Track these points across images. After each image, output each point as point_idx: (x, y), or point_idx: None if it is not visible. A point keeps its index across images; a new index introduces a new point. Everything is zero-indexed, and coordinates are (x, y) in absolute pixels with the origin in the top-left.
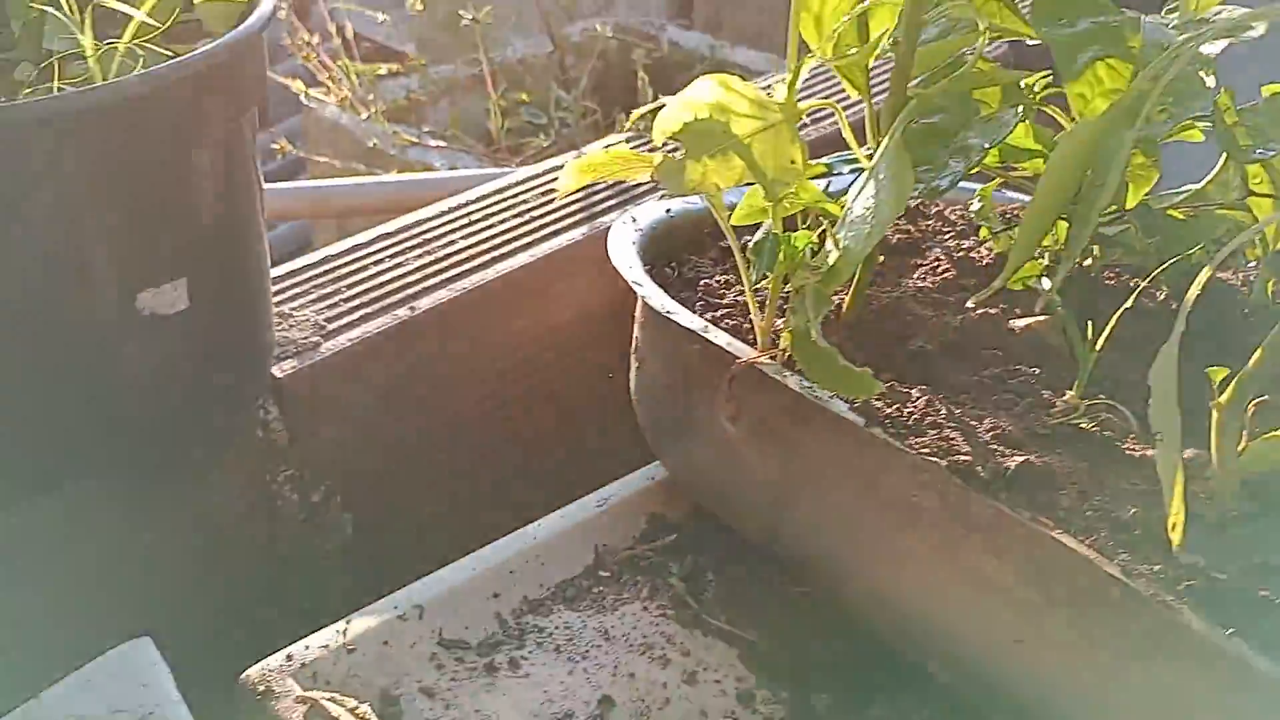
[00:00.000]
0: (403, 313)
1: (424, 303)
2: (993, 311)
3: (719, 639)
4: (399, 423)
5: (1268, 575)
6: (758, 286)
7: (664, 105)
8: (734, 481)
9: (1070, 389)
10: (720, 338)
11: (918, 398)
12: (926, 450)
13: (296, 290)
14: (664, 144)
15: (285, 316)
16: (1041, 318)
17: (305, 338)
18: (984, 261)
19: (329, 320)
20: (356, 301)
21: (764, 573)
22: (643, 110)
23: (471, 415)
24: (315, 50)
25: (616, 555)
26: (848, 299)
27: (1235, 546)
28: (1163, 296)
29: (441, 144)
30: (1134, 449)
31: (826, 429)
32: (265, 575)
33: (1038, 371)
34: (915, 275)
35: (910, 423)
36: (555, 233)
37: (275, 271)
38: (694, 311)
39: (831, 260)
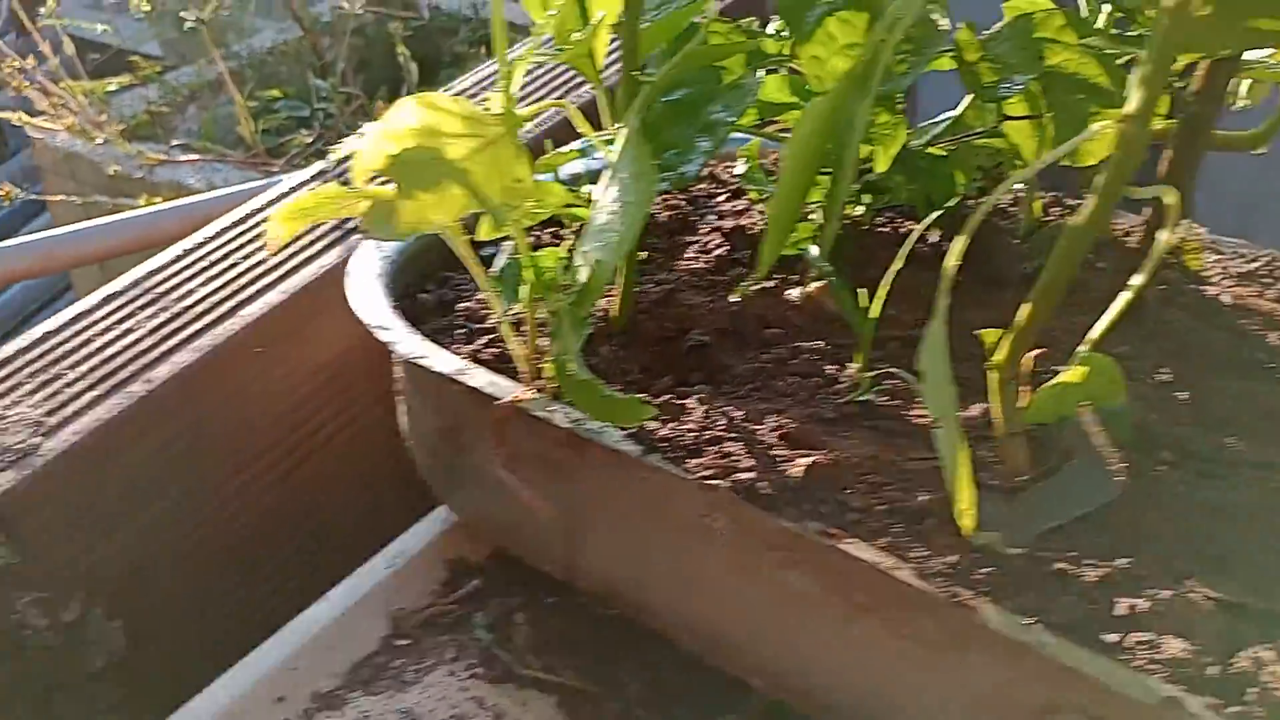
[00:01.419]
0: (138, 388)
1: (161, 372)
2: (770, 285)
3: (534, 689)
4: (154, 512)
5: (1061, 539)
6: (513, 312)
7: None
8: (523, 522)
9: (853, 360)
10: (479, 378)
11: (696, 407)
12: (707, 472)
13: (6, 384)
14: (371, 181)
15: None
16: (818, 284)
17: (21, 442)
18: (757, 229)
19: (50, 414)
20: (82, 385)
21: (574, 603)
22: (344, 148)
23: (239, 487)
24: (25, 75)
25: (414, 618)
26: (615, 303)
27: (1027, 513)
28: (937, 238)
29: (194, 157)
30: (923, 415)
31: (604, 461)
32: (29, 713)
33: (822, 345)
34: (687, 255)
35: (689, 441)
36: (307, 260)
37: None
38: (456, 340)
39: (582, 278)
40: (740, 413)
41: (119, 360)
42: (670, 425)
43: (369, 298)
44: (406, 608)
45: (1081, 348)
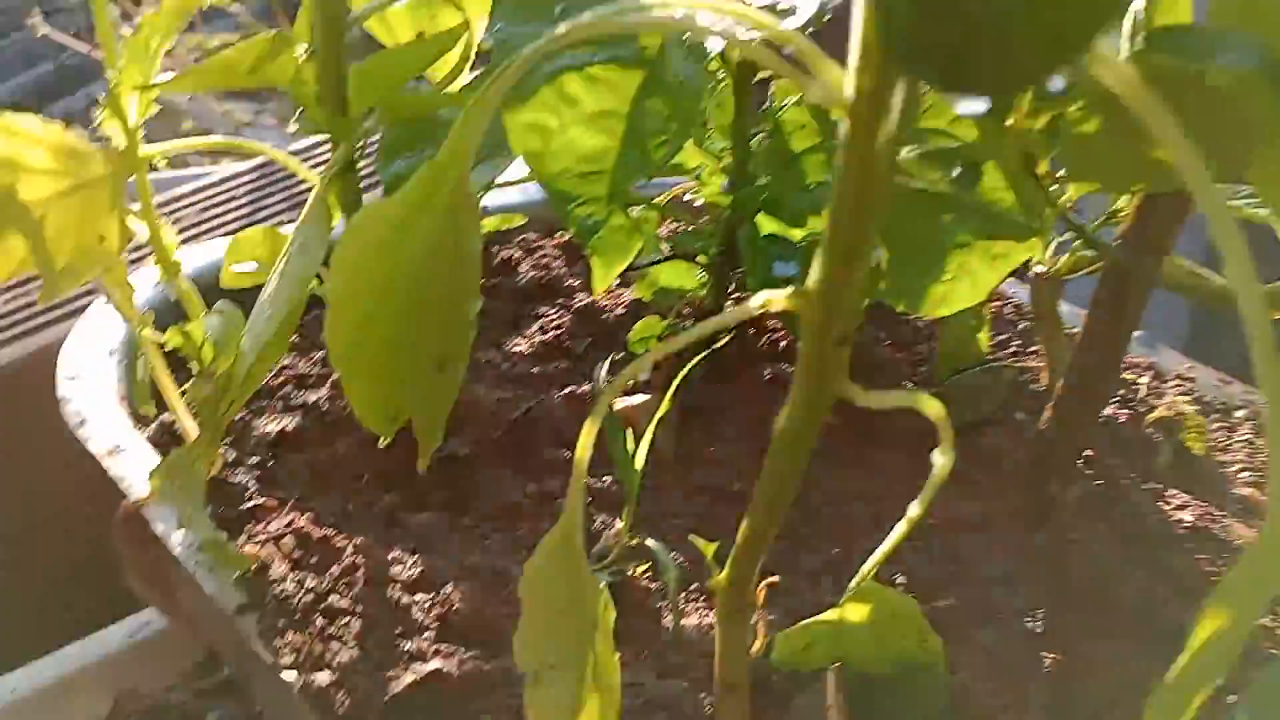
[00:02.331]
0: None
1: None
2: (580, 389)
3: None
4: None
5: None
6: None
7: None
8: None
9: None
10: (125, 463)
11: (350, 554)
12: (290, 658)
13: None
14: None
15: None
16: (636, 401)
17: None
18: (615, 314)
19: None
20: None
21: None
22: None
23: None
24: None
25: (140, 702)
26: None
27: None
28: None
29: (275, 122)
30: (666, 616)
31: (199, 605)
32: None
33: (606, 483)
34: (529, 331)
35: (300, 605)
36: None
37: None
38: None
39: (222, 368)
40: (421, 570)
41: None
42: (299, 577)
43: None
44: (138, 689)
45: (864, 570)
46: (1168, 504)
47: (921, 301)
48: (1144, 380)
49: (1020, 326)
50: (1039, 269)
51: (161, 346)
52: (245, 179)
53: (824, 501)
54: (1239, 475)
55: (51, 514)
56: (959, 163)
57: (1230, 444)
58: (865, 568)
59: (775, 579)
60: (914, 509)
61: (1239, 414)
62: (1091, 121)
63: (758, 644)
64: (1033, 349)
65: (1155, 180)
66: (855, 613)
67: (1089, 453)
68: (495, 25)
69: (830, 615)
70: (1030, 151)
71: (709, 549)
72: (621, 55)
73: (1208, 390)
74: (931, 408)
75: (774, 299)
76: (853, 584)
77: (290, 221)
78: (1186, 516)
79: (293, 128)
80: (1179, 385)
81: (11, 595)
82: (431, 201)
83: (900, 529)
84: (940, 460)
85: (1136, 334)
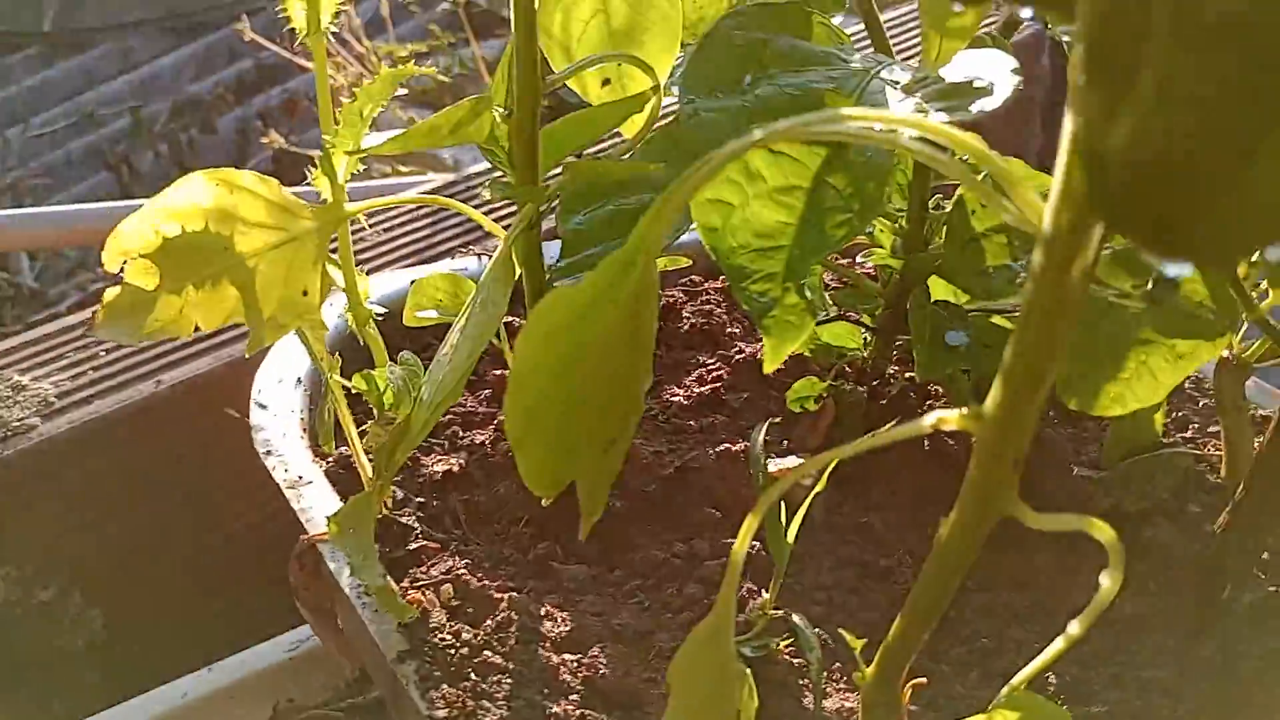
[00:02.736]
0: (146, 387)
1: (172, 375)
2: (735, 447)
3: None
4: (151, 511)
5: None
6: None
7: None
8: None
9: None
10: (308, 496)
11: (504, 608)
12: (443, 711)
13: (53, 353)
14: (121, 269)
15: (18, 389)
16: (790, 464)
17: (22, 418)
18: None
19: (63, 395)
20: (105, 371)
21: None
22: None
23: (242, 504)
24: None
25: (298, 716)
26: None
27: None
28: None
29: None
30: (807, 696)
31: (366, 641)
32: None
33: (754, 548)
34: (687, 380)
35: (463, 656)
36: None
37: (51, 327)
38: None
39: (401, 415)
40: (570, 628)
41: (142, 354)
42: (455, 629)
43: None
44: (296, 700)
45: (1015, 681)
46: None
47: (1095, 400)
48: None
49: (1201, 404)
50: (1225, 353)
51: (346, 388)
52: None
53: (977, 586)
54: None
55: (232, 524)
56: (1156, 271)
57: None
58: (1016, 680)
59: (923, 680)
60: (1074, 627)
61: None
62: None
63: None
64: (1213, 429)
65: None
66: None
67: (1265, 555)
68: (684, 96)
69: None
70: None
71: (856, 644)
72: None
73: None
74: (1105, 535)
75: (947, 418)
76: (1003, 693)
77: (465, 244)
78: None
79: (486, 195)
80: None
81: (188, 601)
82: (615, 292)
83: (1058, 645)
84: (1106, 584)
85: None
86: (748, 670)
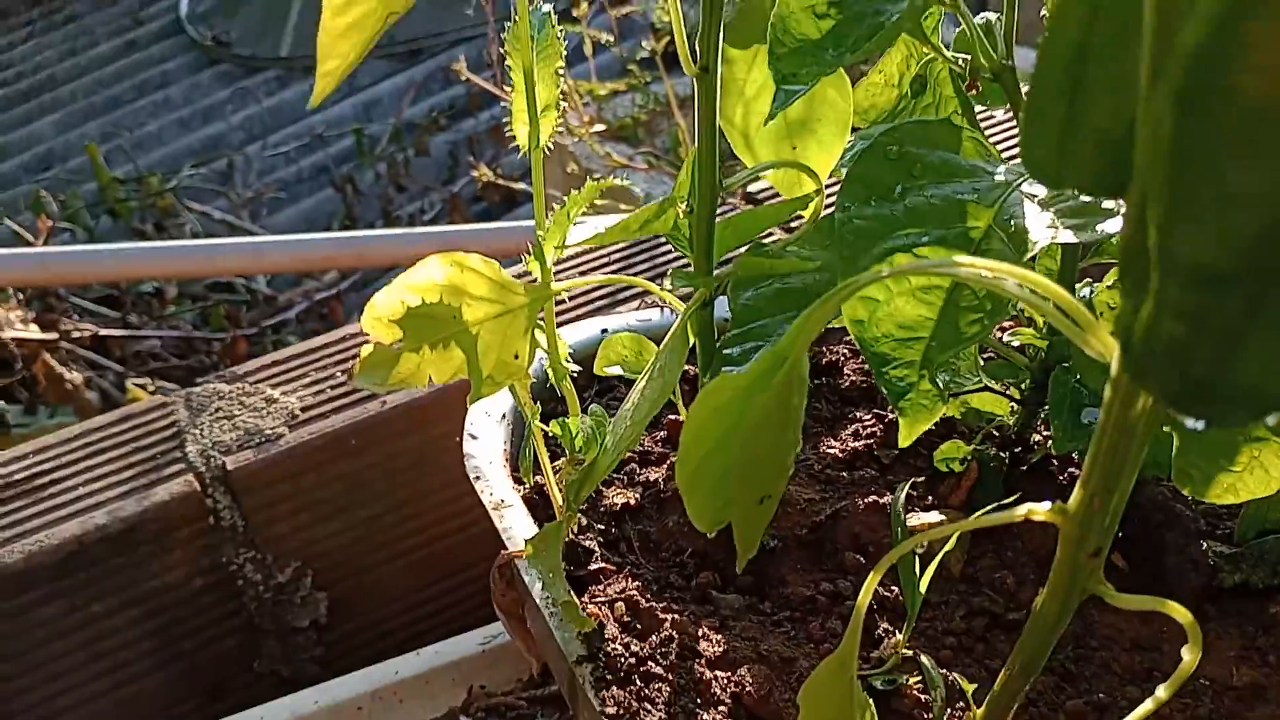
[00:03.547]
0: (373, 406)
1: (396, 397)
2: (882, 500)
3: None
4: (372, 511)
5: None
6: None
7: None
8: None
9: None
10: (509, 518)
11: (668, 627)
12: (612, 709)
13: (298, 371)
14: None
15: (270, 401)
16: (930, 518)
17: (273, 428)
18: None
19: (306, 409)
20: (341, 389)
21: None
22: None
23: (449, 510)
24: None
25: (485, 700)
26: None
27: None
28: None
29: (644, 167)
30: None
31: (548, 649)
32: (237, 646)
33: (894, 593)
34: (844, 434)
35: (630, 665)
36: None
37: (299, 348)
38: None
39: (589, 458)
40: (723, 649)
41: None
42: (628, 640)
43: (483, 409)
44: (488, 687)
45: None
46: None
47: (1209, 489)
48: None
49: None
50: None
51: (544, 431)
52: (613, 251)
53: (1101, 644)
54: None
55: (437, 528)
56: None
57: None
58: None
59: None
60: (1161, 691)
61: None
62: None
63: None
64: None
65: None
66: None
67: None
68: (841, 202)
69: None
70: None
71: (969, 687)
72: (948, 237)
73: None
74: (1182, 615)
75: (1037, 510)
76: None
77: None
78: None
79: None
80: None
81: (399, 592)
82: (768, 380)
83: (1146, 706)
84: (1188, 658)
85: None
86: (871, 701)
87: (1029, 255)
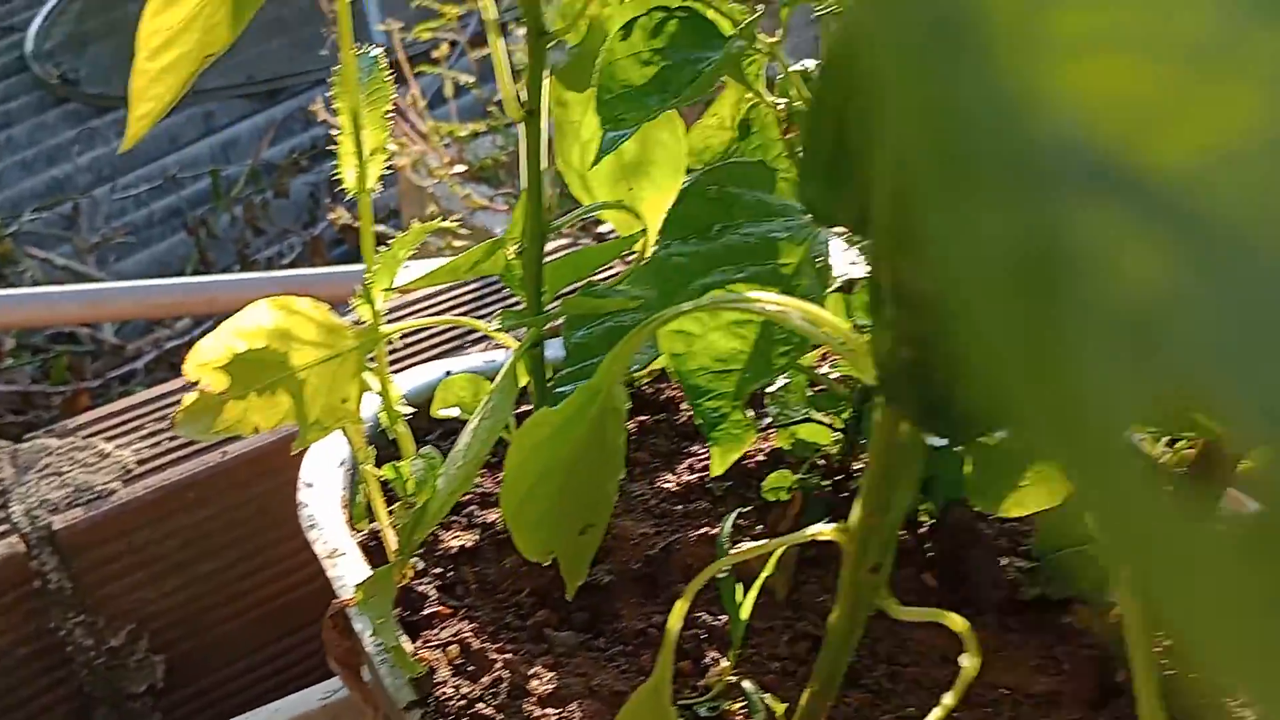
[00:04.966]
0: (213, 457)
1: (236, 446)
2: (714, 530)
3: None
4: (210, 568)
5: None
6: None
7: None
8: None
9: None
10: (342, 566)
11: (499, 667)
12: None
13: (134, 423)
14: (197, 380)
15: (102, 456)
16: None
17: (105, 484)
18: (754, 455)
19: (142, 462)
20: (178, 441)
21: None
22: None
23: (289, 563)
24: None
25: None
26: None
27: None
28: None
29: (504, 208)
30: None
31: (383, 693)
32: (67, 716)
33: (721, 621)
34: (680, 468)
35: (454, 709)
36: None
37: (136, 398)
38: None
39: (420, 500)
40: (555, 686)
41: None
42: (467, 681)
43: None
44: None
45: None
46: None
47: (998, 504)
48: None
49: None
50: None
51: (377, 477)
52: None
53: (911, 660)
54: None
55: (279, 583)
56: None
57: None
58: None
59: None
60: (947, 698)
61: None
62: None
63: None
64: None
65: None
66: None
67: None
68: (662, 240)
69: None
70: None
71: (779, 708)
72: (761, 274)
73: None
74: (956, 624)
75: (825, 530)
76: None
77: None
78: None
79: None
80: None
81: (238, 650)
82: (584, 413)
83: (935, 715)
84: (967, 664)
85: None
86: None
87: (831, 289)
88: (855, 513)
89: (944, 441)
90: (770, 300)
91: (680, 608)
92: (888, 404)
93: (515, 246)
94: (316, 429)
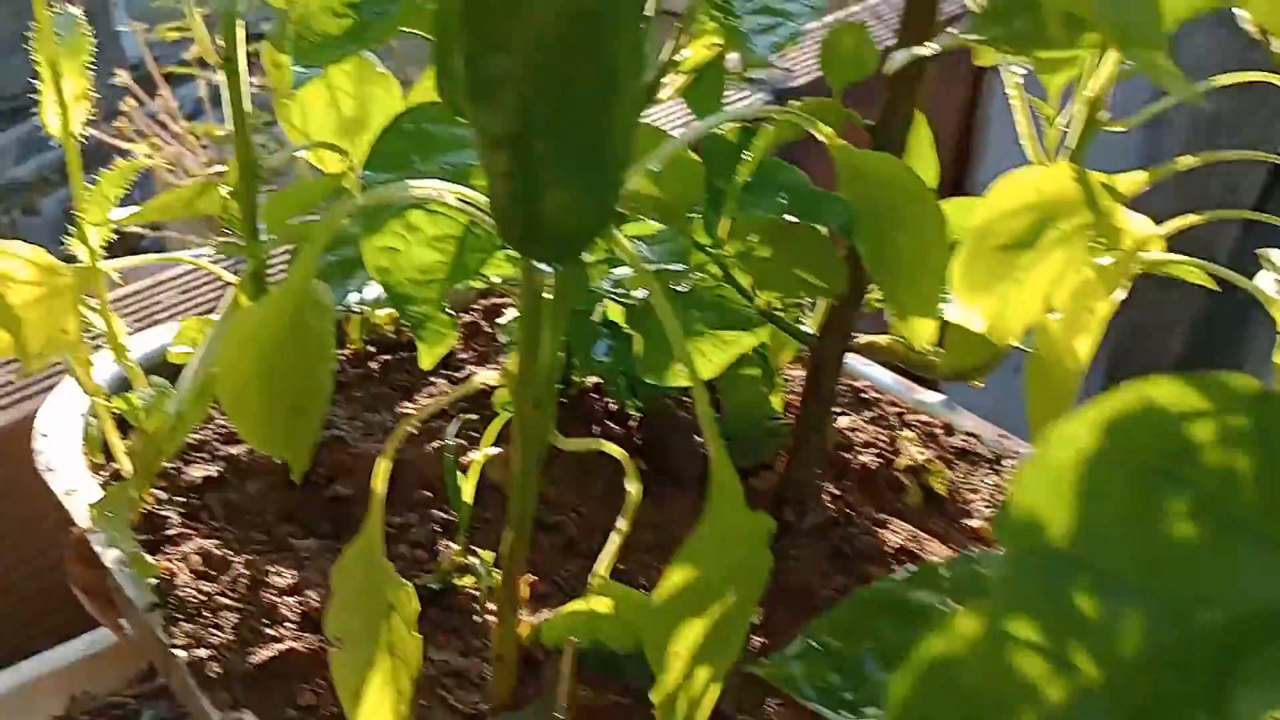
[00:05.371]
0: None
1: None
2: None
3: None
4: None
5: None
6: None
7: None
8: None
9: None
10: (78, 500)
11: (241, 567)
12: (182, 641)
13: None
14: None
15: None
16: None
17: None
18: (491, 384)
19: None
20: None
21: None
22: None
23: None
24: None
25: (90, 704)
26: None
27: None
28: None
29: None
30: (488, 614)
31: (129, 606)
32: None
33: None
34: (421, 395)
35: (194, 604)
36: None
37: None
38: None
39: (153, 428)
40: (296, 580)
41: None
42: (198, 584)
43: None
44: (91, 692)
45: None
46: (887, 531)
47: (664, 376)
48: (911, 434)
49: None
50: None
51: (111, 410)
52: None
53: (593, 509)
54: (977, 511)
55: (35, 551)
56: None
57: (982, 488)
58: (598, 567)
59: (534, 578)
60: (621, 523)
61: (1008, 463)
62: (766, 250)
63: (528, 630)
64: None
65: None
66: (600, 604)
67: (835, 490)
68: (363, 173)
69: (580, 605)
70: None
71: (488, 556)
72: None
73: (988, 444)
74: (615, 451)
75: (490, 377)
76: (590, 583)
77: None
78: (896, 540)
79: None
80: (965, 440)
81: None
82: (282, 304)
83: (614, 540)
84: (631, 489)
85: (939, 398)
86: (407, 583)
87: None
88: (511, 356)
89: (547, 266)
90: (428, 185)
91: (384, 467)
92: (503, 241)
93: (229, 189)
94: (38, 358)
